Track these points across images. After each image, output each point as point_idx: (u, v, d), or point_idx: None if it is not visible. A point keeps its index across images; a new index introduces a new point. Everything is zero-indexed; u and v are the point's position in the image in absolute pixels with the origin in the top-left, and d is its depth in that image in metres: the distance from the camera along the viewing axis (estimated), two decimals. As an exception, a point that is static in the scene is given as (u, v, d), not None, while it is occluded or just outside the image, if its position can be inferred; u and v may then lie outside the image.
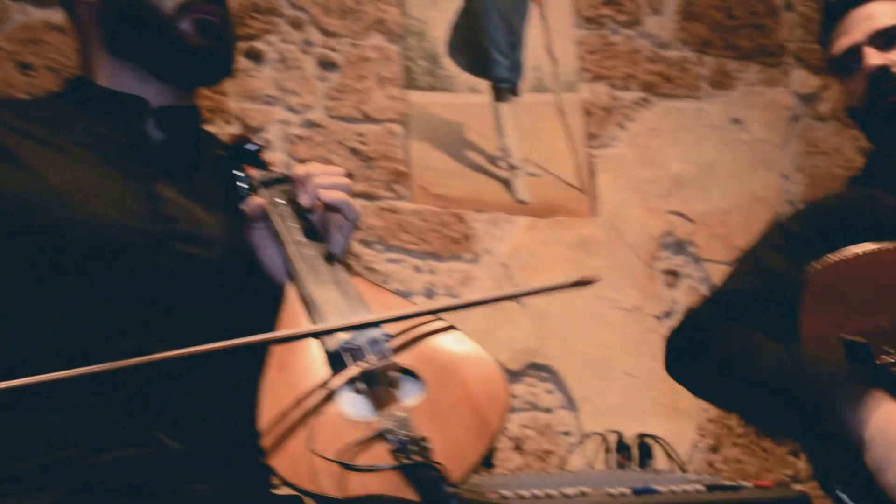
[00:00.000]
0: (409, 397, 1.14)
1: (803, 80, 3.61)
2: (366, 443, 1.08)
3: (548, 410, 2.95)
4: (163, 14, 1.42)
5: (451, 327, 1.26)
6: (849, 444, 1.60)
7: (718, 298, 1.91)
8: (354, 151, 2.88)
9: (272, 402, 1.16)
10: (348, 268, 1.35)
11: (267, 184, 1.42)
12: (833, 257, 1.73)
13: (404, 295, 2.80)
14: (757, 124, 3.51)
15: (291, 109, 2.83)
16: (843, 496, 1.64)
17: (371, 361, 1.16)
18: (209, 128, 1.64)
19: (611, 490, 2.15)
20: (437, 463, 1.04)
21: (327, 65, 2.90)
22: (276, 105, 2.81)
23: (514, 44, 3.13)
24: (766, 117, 3.53)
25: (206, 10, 1.44)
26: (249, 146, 1.49)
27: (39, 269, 1.31)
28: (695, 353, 1.86)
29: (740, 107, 3.49)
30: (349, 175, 1.46)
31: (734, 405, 1.99)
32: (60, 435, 1.25)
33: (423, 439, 1.05)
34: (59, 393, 1.22)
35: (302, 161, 2.76)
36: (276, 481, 1.23)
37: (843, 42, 1.95)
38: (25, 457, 1.24)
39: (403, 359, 1.19)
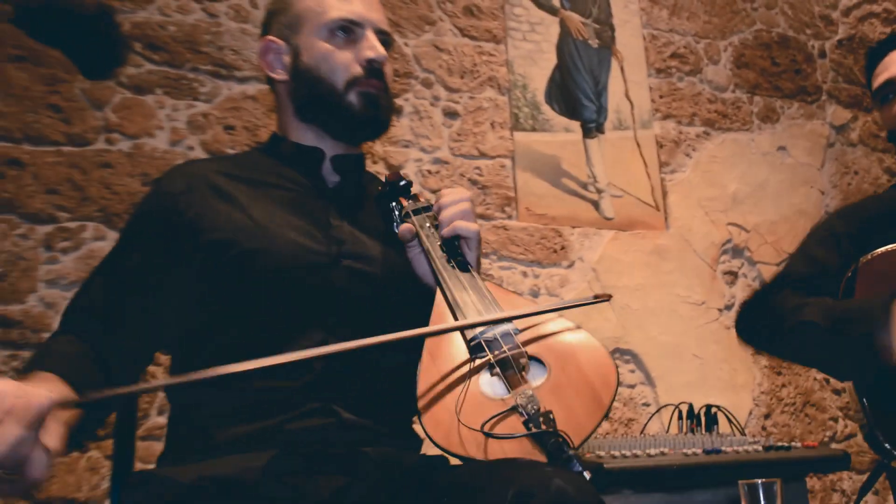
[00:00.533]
0: (536, 379, 1.14)
1: (836, 113, 3.52)
2: (502, 416, 1.09)
3: (631, 386, 2.92)
4: (335, 89, 1.44)
5: (570, 323, 1.25)
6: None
7: (775, 281, 1.87)
8: (473, 182, 2.89)
9: (426, 382, 1.17)
10: (482, 275, 1.35)
11: (416, 212, 1.43)
12: (881, 250, 1.68)
13: (514, 294, 2.81)
14: (799, 150, 3.42)
15: (424, 150, 2.86)
16: (888, 445, 1.59)
17: (504, 350, 1.16)
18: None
19: (685, 451, 2.11)
20: (561, 431, 1.03)
21: (451, 114, 2.92)
22: (411, 147, 2.84)
23: (599, 92, 3.11)
24: (806, 144, 3.44)
25: (368, 84, 1.44)
26: (402, 182, 1.49)
27: (245, 282, 1.33)
28: (758, 316, 1.83)
29: (785, 136, 3.41)
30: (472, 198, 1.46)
31: (789, 353, 1.91)
32: (264, 408, 1.27)
33: (549, 412, 1.05)
34: (263, 376, 1.24)
35: (434, 191, 2.80)
36: (425, 445, 1.24)
37: (882, 77, 1.92)
38: (239, 424, 1.26)
39: (530, 347, 1.18)
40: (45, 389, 1.00)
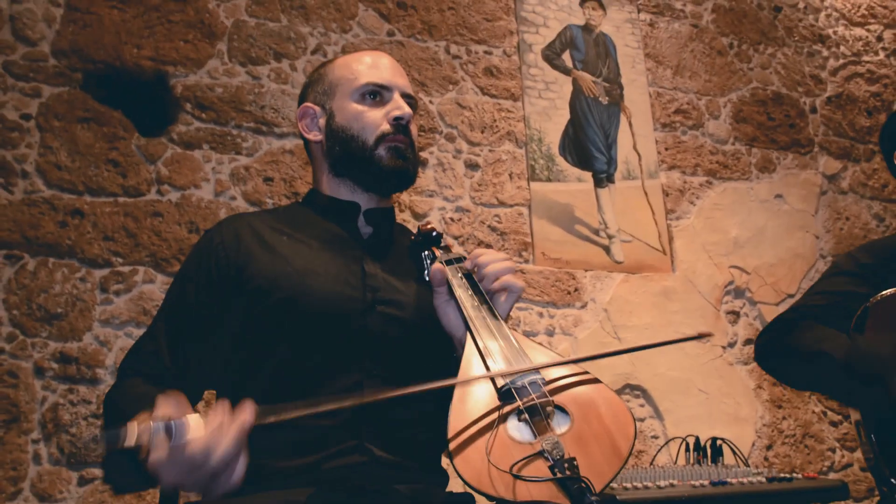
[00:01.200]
0: (560, 427, 1.14)
1: (828, 163, 3.51)
2: (529, 459, 1.08)
3: (641, 420, 2.90)
4: (366, 144, 1.47)
5: (592, 376, 1.25)
6: None
7: (795, 309, 1.85)
8: (493, 228, 2.91)
9: (457, 424, 1.16)
10: (510, 326, 1.35)
11: (449, 262, 1.43)
12: (890, 291, 1.67)
13: (531, 334, 2.80)
14: (794, 198, 3.41)
15: (447, 199, 2.88)
16: (894, 480, 1.57)
17: (533, 398, 1.16)
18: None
19: (693, 482, 2.09)
20: (584, 477, 1.03)
21: (472, 166, 2.95)
22: (435, 197, 2.86)
23: (609, 144, 3.13)
24: (801, 192, 3.43)
25: (395, 139, 1.47)
26: (434, 233, 1.51)
27: (286, 326, 1.35)
28: (776, 345, 1.81)
29: (781, 185, 3.40)
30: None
31: (805, 382, 1.90)
32: (303, 446, 1.28)
33: (573, 459, 1.05)
34: (304, 418, 1.26)
35: (456, 237, 2.81)
36: (452, 481, 1.23)
37: None
38: (279, 460, 1.27)
39: (556, 397, 1.18)
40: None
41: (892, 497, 1.58)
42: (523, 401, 1.15)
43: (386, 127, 1.47)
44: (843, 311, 1.73)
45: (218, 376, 1.43)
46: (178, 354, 1.38)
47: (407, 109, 1.48)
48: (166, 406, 1.04)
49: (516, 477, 1.06)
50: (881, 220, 3.54)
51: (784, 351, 1.77)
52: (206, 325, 1.39)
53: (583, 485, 1.02)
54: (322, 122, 1.53)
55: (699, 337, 1.23)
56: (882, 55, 3.78)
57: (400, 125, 1.47)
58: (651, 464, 2.76)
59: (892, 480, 1.56)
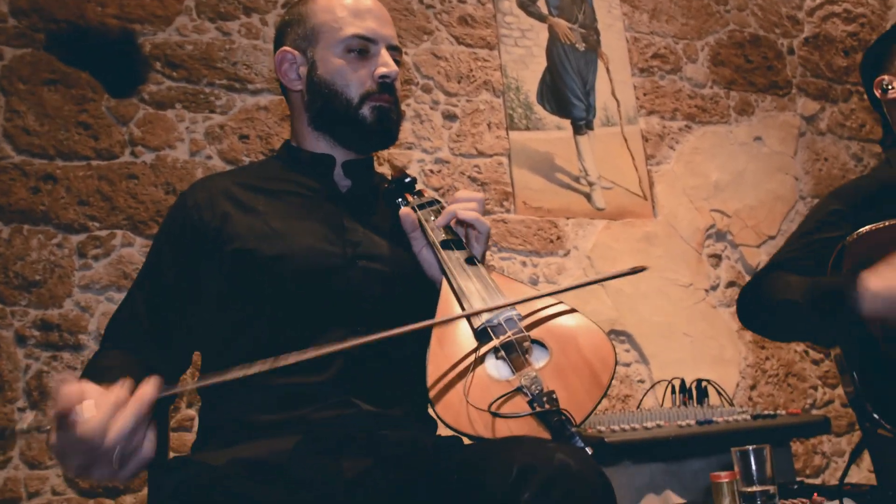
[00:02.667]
0: (539, 361, 1.12)
1: (806, 105, 3.49)
2: (508, 396, 1.06)
3: (626, 365, 2.90)
4: (350, 103, 1.40)
5: (569, 307, 1.23)
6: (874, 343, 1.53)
7: (770, 263, 1.84)
8: (473, 179, 2.87)
9: (436, 369, 1.15)
10: (486, 266, 1.32)
11: (421, 206, 1.40)
12: (864, 229, 1.65)
13: (515, 282, 2.78)
14: (773, 140, 3.39)
15: (425, 151, 2.83)
16: (876, 415, 1.56)
17: (509, 335, 1.14)
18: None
19: (679, 422, 2.09)
20: (564, 410, 1.01)
21: (450, 117, 2.89)
22: (414, 149, 2.82)
23: (588, 91, 3.08)
24: (779, 135, 3.41)
25: (381, 99, 1.40)
26: (407, 179, 1.47)
27: (268, 286, 1.32)
28: (751, 300, 1.79)
29: (760, 128, 3.37)
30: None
31: (777, 331, 1.88)
32: (290, 402, 1.26)
33: (552, 392, 1.03)
34: (291, 371, 1.24)
35: (437, 188, 2.78)
36: (440, 427, 1.22)
37: None
38: (270, 412, 1.26)
39: (533, 332, 1.16)
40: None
41: (874, 432, 1.57)
42: (500, 339, 1.13)
43: (371, 86, 1.40)
44: (819, 258, 1.71)
45: (202, 339, 1.40)
46: (156, 321, 1.35)
47: (394, 67, 1.41)
48: (89, 391, 1.00)
49: (494, 415, 1.04)
50: (859, 159, 3.52)
51: (759, 307, 1.75)
52: (184, 290, 1.37)
53: (562, 417, 1.00)
54: (303, 70, 1.45)
55: (635, 271, 1.20)
56: (859, -7, 3.73)
57: (386, 84, 1.41)
58: (638, 407, 2.76)
59: (875, 415, 1.54)
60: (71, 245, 2.38)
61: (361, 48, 1.41)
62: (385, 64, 1.41)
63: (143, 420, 0.99)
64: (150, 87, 2.55)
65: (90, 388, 0.99)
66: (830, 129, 3.50)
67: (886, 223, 1.64)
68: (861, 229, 1.65)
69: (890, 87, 1.92)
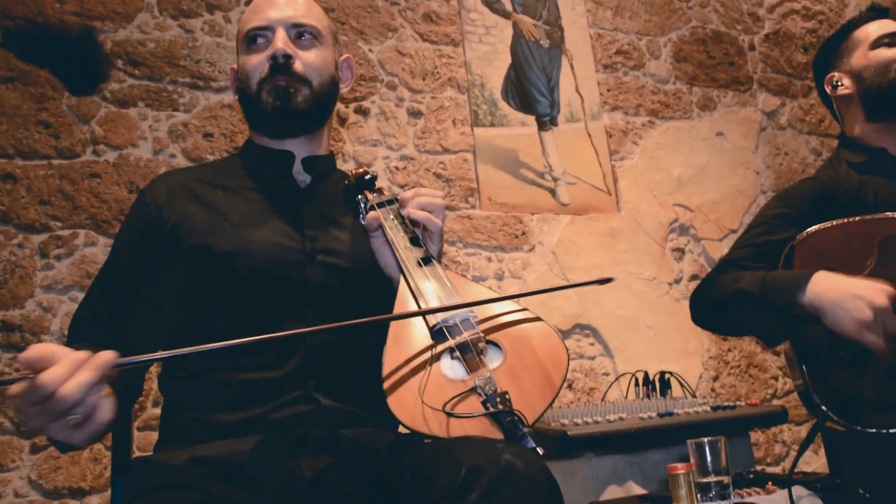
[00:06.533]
0: (493, 362, 1.12)
1: (766, 100, 3.53)
2: (462, 396, 1.07)
3: (591, 358, 2.92)
4: (252, 92, 1.42)
5: (523, 308, 1.23)
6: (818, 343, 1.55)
7: (720, 263, 1.85)
8: (438, 175, 2.87)
9: (391, 365, 1.15)
10: (443, 265, 1.33)
11: (381, 204, 1.40)
12: (813, 228, 1.67)
13: (480, 279, 2.79)
14: (735, 135, 3.42)
15: (390, 148, 2.82)
16: (824, 407, 1.59)
17: (464, 335, 1.14)
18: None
19: (641, 415, 2.11)
20: (516, 411, 1.02)
21: (415, 114, 2.89)
22: (379, 146, 2.81)
23: (552, 88, 3.09)
24: (741, 129, 3.44)
25: (274, 80, 1.39)
26: (367, 176, 1.46)
27: (227, 282, 1.31)
28: (703, 296, 1.80)
29: (722, 123, 3.41)
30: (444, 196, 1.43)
31: (727, 325, 1.89)
32: (249, 399, 1.26)
33: (505, 393, 1.04)
34: (248, 367, 1.25)
35: (402, 185, 2.77)
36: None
37: (886, 30, 1.93)
38: (227, 413, 1.25)
39: (488, 333, 1.16)
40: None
41: (823, 424, 1.60)
42: (455, 338, 1.13)
43: (265, 70, 1.40)
44: (769, 258, 1.74)
45: (163, 336, 1.39)
46: (115, 318, 1.35)
47: (279, 45, 1.39)
48: (56, 350, 1.01)
49: (449, 414, 1.04)
50: (818, 154, 3.57)
51: (712, 303, 1.77)
52: (143, 287, 1.36)
53: (515, 418, 1.00)
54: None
55: (602, 281, 1.22)
56: (817, -10, 3.78)
57: (277, 64, 1.39)
58: (603, 400, 2.78)
59: (823, 408, 1.57)
60: (32, 245, 2.34)
61: (256, 38, 1.43)
62: (272, 46, 1.40)
63: (101, 380, 1.00)
64: (111, 85, 2.51)
65: (57, 347, 1.00)
66: (791, 124, 3.55)
67: (833, 223, 1.67)
68: (809, 229, 1.67)
69: (839, 84, 1.95)
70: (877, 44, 1.90)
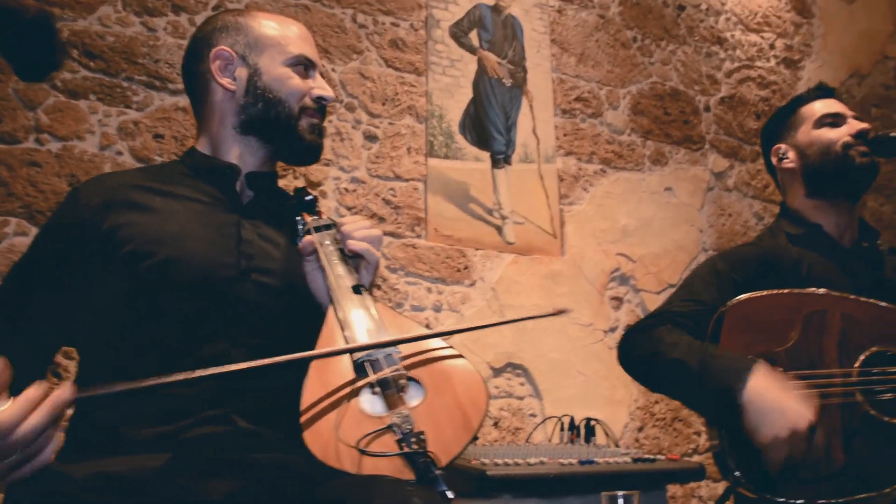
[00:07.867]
0: (413, 400, 1.12)
1: (716, 161, 3.62)
2: (378, 433, 1.06)
3: (520, 398, 2.93)
4: (291, 111, 1.45)
5: (448, 347, 1.23)
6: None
7: (657, 314, 1.87)
8: (387, 202, 2.86)
9: (310, 397, 1.14)
10: (373, 297, 1.32)
11: (318, 228, 1.39)
12: (745, 296, 1.71)
13: (419, 309, 2.78)
14: (682, 192, 3.50)
15: (343, 169, 2.81)
16: (737, 473, 1.62)
17: (386, 371, 1.14)
18: (282, 182, 1.63)
19: (562, 460, 2.12)
20: (430, 452, 1.02)
21: (371, 137, 2.89)
22: (331, 166, 2.80)
23: (510, 126, 3.12)
24: (689, 187, 3.52)
25: (315, 116, 1.49)
26: (308, 197, 1.47)
27: (157, 291, 1.30)
28: (637, 346, 1.82)
29: (671, 179, 3.48)
30: (380, 224, 1.44)
31: (659, 386, 1.92)
32: (165, 414, 1.23)
33: (421, 433, 1.04)
34: (164, 385, 1.21)
35: (350, 207, 2.76)
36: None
37: (829, 109, 2.00)
38: (140, 427, 1.23)
39: (411, 370, 1.16)
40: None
41: (734, 488, 1.63)
42: (377, 374, 1.13)
43: (309, 102, 1.47)
44: (699, 318, 1.77)
45: (80, 336, 1.36)
46: (21, 312, 1.32)
47: (332, 93, 1.50)
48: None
49: (362, 452, 1.03)
50: (760, 218, 3.67)
51: (645, 356, 1.79)
52: (61, 287, 1.33)
53: (428, 459, 1.00)
54: (242, 73, 1.45)
55: (557, 313, 1.24)
56: (773, 62, 3.91)
57: (322, 106, 1.49)
58: (527, 441, 2.79)
59: (736, 473, 1.60)
60: (-40, 228, 2.27)
61: (305, 65, 1.48)
62: (324, 87, 1.49)
63: (54, 422, 0.97)
64: (63, 74, 2.46)
65: (5, 377, 0.97)
66: (737, 187, 3.64)
67: (764, 293, 1.72)
68: (741, 296, 1.71)
69: (785, 156, 2.01)
70: (820, 123, 1.97)
